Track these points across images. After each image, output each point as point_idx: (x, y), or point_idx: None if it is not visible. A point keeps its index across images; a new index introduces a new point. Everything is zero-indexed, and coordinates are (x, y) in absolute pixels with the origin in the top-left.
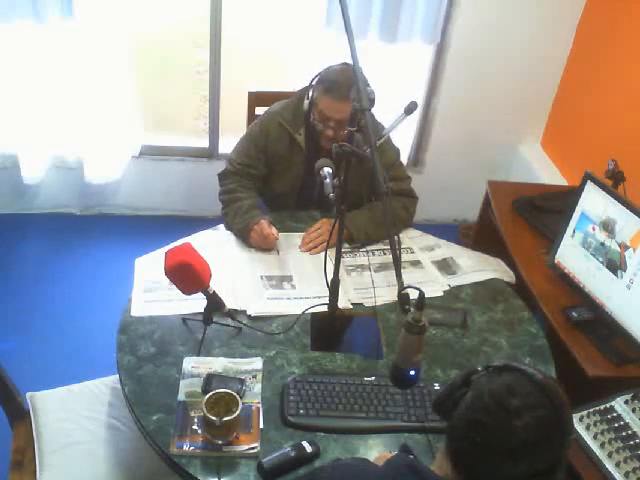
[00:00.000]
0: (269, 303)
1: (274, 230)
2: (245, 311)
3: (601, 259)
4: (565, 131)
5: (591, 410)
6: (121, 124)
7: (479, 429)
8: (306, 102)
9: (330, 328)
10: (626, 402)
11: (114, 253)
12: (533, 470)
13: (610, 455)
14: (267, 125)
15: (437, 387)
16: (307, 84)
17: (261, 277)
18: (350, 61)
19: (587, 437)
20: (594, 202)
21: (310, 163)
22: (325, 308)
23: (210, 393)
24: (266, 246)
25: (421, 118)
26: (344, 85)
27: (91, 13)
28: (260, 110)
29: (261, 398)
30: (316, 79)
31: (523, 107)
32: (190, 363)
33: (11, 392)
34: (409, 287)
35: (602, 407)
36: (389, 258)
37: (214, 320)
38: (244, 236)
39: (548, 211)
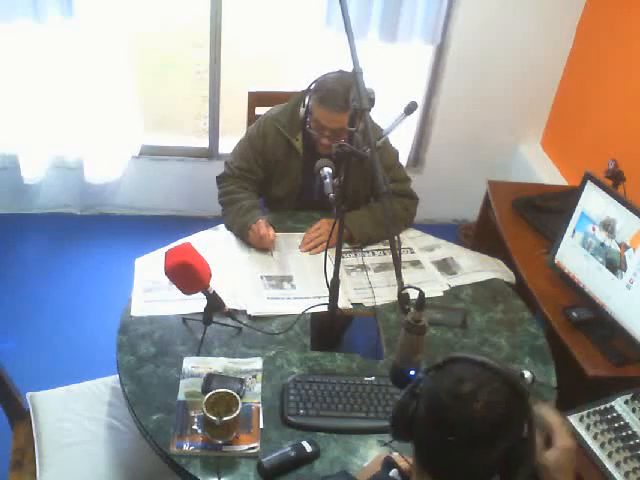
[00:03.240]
0: (269, 303)
1: (271, 231)
2: (245, 311)
3: (601, 259)
4: (565, 131)
5: (591, 410)
6: (121, 124)
7: (445, 427)
8: (302, 109)
9: (330, 328)
10: (626, 402)
11: (114, 253)
12: (508, 444)
13: (610, 455)
14: (265, 129)
15: None
16: (304, 88)
17: (261, 277)
18: (350, 61)
19: (587, 437)
20: (594, 202)
21: (308, 167)
22: (325, 308)
23: (210, 393)
24: (262, 247)
25: (421, 118)
26: (340, 95)
27: (91, 13)
28: (260, 110)
29: (261, 398)
30: (312, 86)
31: (523, 107)
32: (190, 363)
33: (11, 392)
34: (409, 287)
35: (602, 407)
36: (389, 258)
37: (214, 320)
38: (243, 236)
39: (548, 211)
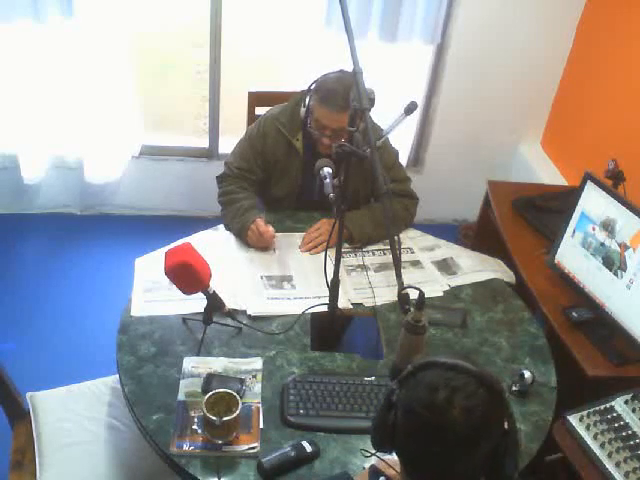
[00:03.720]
0: (269, 303)
1: (270, 228)
2: (245, 311)
3: (601, 259)
4: (565, 131)
5: (591, 410)
6: (121, 124)
7: (425, 439)
8: (302, 109)
9: (330, 328)
10: (626, 402)
11: (114, 253)
12: (492, 443)
13: (610, 455)
14: (265, 129)
15: None
16: (304, 88)
17: (261, 277)
18: (350, 61)
19: (587, 437)
20: (594, 202)
21: (308, 167)
22: (325, 308)
23: (210, 393)
24: (263, 245)
25: (421, 118)
26: (340, 95)
27: (91, 13)
28: (260, 110)
29: (261, 398)
30: (313, 86)
31: (523, 107)
32: (190, 363)
33: (11, 392)
34: (409, 287)
35: (602, 407)
36: (389, 258)
37: (214, 320)
38: (242, 236)
39: (548, 211)
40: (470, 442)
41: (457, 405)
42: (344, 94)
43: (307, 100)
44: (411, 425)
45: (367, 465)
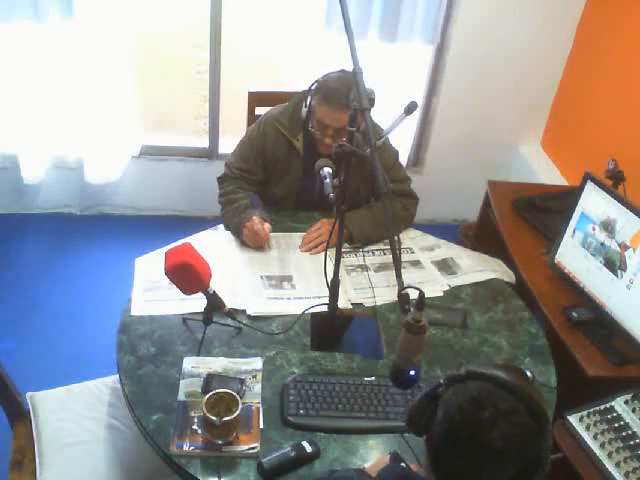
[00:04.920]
0: (269, 303)
1: (266, 225)
2: (245, 311)
3: (601, 259)
4: (565, 131)
5: (591, 410)
6: (121, 124)
7: (458, 449)
8: (304, 110)
9: (330, 328)
10: (626, 402)
11: (114, 253)
12: (520, 467)
13: (610, 455)
14: (265, 130)
15: None
16: (305, 89)
17: (261, 277)
18: (350, 61)
19: (587, 437)
20: (594, 202)
21: (309, 167)
22: (325, 308)
23: (210, 393)
24: (257, 244)
25: (421, 118)
26: (342, 93)
27: (91, 13)
28: (260, 110)
29: (261, 398)
30: (314, 86)
31: (523, 107)
32: (190, 363)
33: (11, 392)
34: (409, 287)
35: (602, 407)
36: (389, 258)
37: (214, 320)
38: (238, 235)
39: (548, 211)
40: (500, 463)
41: (499, 429)
42: (346, 93)
43: (308, 100)
44: (447, 429)
45: (367, 465)
